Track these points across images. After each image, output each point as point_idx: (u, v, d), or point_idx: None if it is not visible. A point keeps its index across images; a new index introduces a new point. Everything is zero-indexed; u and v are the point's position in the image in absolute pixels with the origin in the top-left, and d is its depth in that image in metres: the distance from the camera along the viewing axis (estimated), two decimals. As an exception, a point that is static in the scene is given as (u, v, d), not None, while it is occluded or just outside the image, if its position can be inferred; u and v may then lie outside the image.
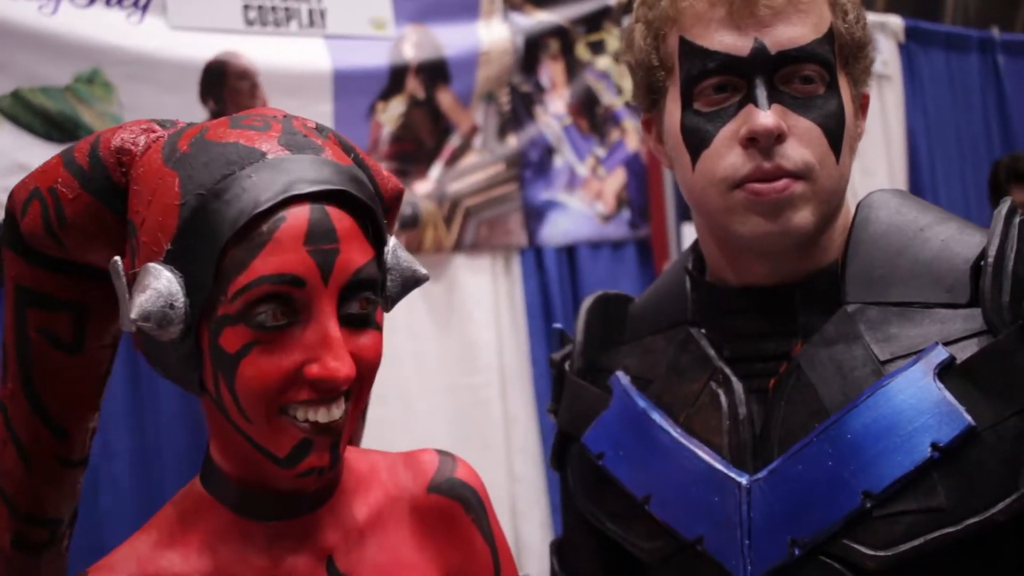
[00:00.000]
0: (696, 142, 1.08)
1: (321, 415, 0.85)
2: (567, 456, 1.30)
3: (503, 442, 3.23)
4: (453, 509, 1.05)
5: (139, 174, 0.89)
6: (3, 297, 1.00)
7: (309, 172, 0.85)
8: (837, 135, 1.07)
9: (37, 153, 2.48)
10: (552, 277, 3.40)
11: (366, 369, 0.88)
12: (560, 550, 1.33)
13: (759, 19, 1.05)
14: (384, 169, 1.05)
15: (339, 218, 0.85)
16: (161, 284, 0.84)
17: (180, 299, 0.84)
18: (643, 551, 1.15)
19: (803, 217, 1.05)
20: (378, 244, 0.91)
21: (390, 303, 0.94)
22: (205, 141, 0.88)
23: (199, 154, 0.86)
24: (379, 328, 0.89)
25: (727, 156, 1.06)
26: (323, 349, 0.83)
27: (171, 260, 0.85)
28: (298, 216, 0.83)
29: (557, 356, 1.34)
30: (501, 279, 3.34)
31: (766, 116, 1.03)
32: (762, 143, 1.04)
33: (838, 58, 1.09)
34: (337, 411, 0.86)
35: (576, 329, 1.31)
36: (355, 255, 0.85)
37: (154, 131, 0.92)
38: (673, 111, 1.12)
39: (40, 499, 1.04)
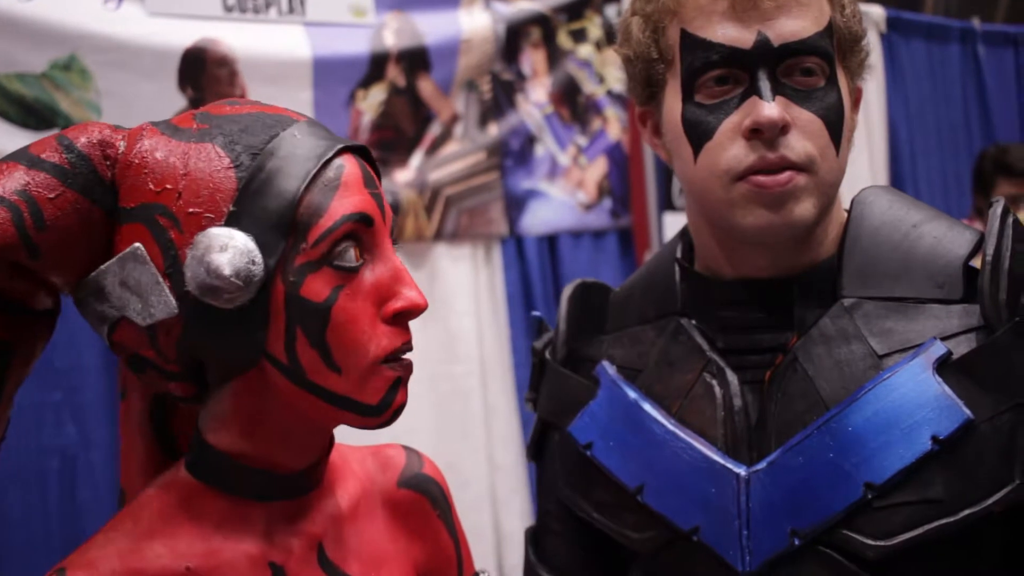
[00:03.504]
0: (698, 134, 1.08)
1: (408, 355, 0.95)
2: (547, 445, 1.30)
3: (484, 431, 3.23)
4: (421, 504, 1.08)
5: (142, 160, 0.87)
6: None
7: (334, 132, 0.94)
8: (837, 127, 1.08)
9: (13, 140, 2.45)
10: (533, 266, 3.39)
11: None
12: (536, 538, 1.33)
13: (762, 12, 1.05)
14: None
15: (369, 169, 0.94)
16: (239, 242, 0.84)
17: (259, 256, 0.85)
18: (634, 541, 1.15)
19: (805, 209, 1.06)
20: None
21: None
22: (219, 116, 0.90)
23: (226, 124, 0.89)
24: None
25: (730, 148, 1.06)
26: (398, 283, 0.91)
27: (234, 222, 0.85)
28: (352, 164, 0.91)
29: (539, 344, 1.33)
30: (482, 268, 3.33)
31: (771, 108, 1.04)
32: (767, 135, 1.04)
33: (836, 51, 1.09)
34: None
35: (558, 317, 1.31)
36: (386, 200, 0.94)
37: (118, 130, 0.90)
38: (673, 104, 1.12)
39: None
